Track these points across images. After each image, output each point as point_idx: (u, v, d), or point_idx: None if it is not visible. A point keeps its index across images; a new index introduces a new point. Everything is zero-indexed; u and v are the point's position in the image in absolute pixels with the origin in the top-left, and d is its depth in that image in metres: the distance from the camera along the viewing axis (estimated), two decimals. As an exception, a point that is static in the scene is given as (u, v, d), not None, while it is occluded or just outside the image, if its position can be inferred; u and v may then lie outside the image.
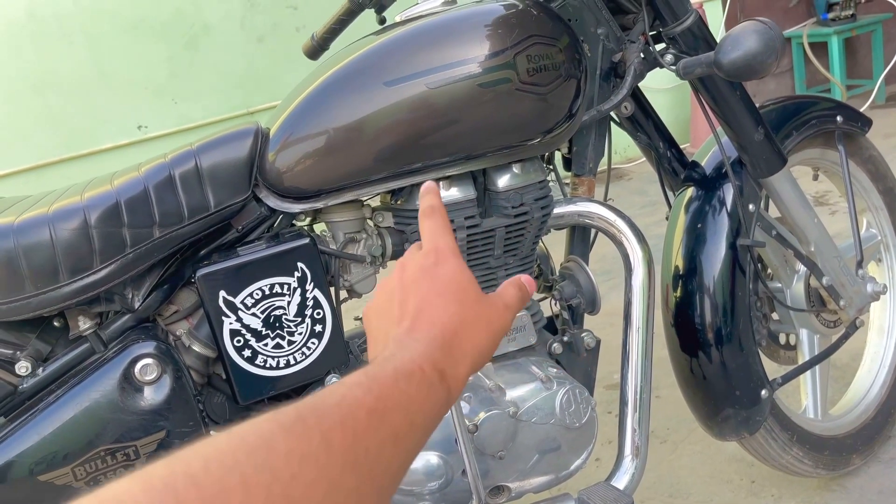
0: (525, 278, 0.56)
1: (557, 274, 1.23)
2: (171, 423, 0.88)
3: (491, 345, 0.51)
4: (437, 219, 0.57)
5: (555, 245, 1.28)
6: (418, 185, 1.05)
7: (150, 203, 0.93)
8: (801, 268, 1.40)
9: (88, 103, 3.56)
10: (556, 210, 1.15)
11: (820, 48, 4.40)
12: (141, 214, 0.92)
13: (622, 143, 4.10)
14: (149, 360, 0.88)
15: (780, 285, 1.42)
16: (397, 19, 1.10)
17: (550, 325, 1.24)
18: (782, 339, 1.49)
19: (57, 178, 3.46)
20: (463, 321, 0.50)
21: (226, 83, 3.74)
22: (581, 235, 1.26)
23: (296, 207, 1.01)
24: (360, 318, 1.33)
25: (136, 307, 0.93)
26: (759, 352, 1.35)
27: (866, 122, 1.49)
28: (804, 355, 1.44)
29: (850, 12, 4.40)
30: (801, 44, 4.45)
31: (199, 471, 0.32)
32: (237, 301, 0.95)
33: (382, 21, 1.25)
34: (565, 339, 1.19)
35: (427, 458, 1.04)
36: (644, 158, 1.43)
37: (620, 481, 1.11)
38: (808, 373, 1.45)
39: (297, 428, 0.37)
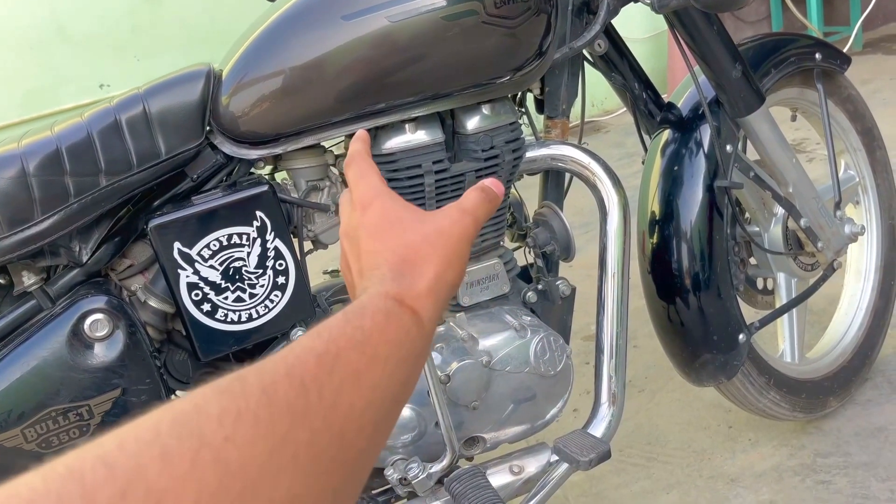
0: (490, 181, 0.52)
1: (531, 221, 1.20)
2: (125, 380, 0.84)
3: (453, 256, 0.47)
4: (355, 166, 0.54)
5: (529, 192, 1.24)
6: (383, 127, 1.00)
7: (95, 150, 0.87)
8: (779, 210, 1.38)
9: (47, 62, 3.43)
10: (529, 153, 1.11)
11: (797, -5, 4.34)
12: (85, 162, 0.86)
13: (599, 95, 4.04)
14: (99, 316, 0.83)
15: (757, 228, 1.40)
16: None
17: (525, 274, 1.20)
18: (760, 283, 1.47)
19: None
20: (407, 245, 0.47)
21: (190, 38, 3.61)
22: (555, 180, 1.22)
23: (253, 153, 0.96)
24: (329, 272, 1.30)
25: (85, 261, 0.88)
26: (737, 297, 1.33)
27: (845, 60, 1.46)
28: (781, 299, 1.43)
29: (828, -43, 4.34)
30: (778, -10, 4.39)
31: (112, 450, 0.29)
32: (193, 253, 0.90)
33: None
34: (540, 287, 1.16)
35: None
36: (621, 111, 1.39)
37: (597, 429, 1.09)
38: (786, 317, 1.44)
39: (233, 387, 0.33)
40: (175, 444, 0.29)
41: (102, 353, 0.83)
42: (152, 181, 0.91)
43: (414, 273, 0.45)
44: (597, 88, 1.30)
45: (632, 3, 1.17)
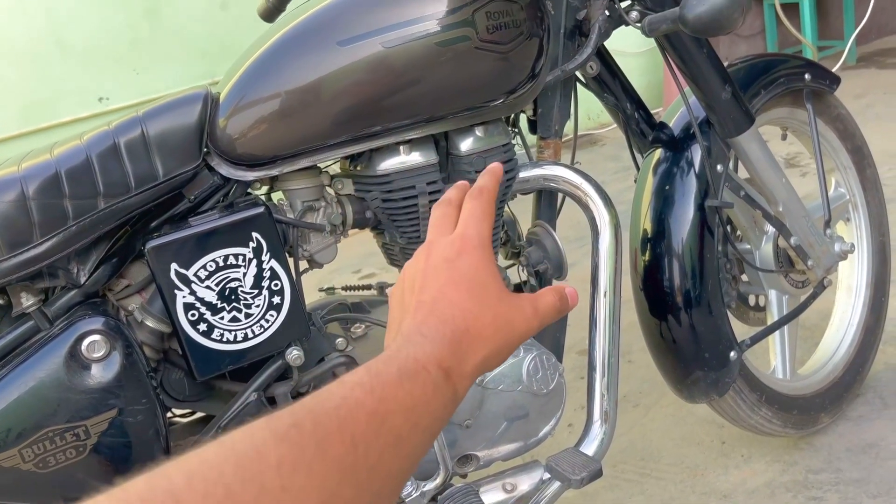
0: (570, 290, 0.53)
1: (524, 240, 1.21)
2: (122, 401, 0.85)
3: (506, 347, 0.48)
4: (479, 203, 0.53)
5: (522, 211, 1.26)
6: (378, 149, 1.02)
7: (94, 173, 0.88)
8: (770, 228, 1.39)
9: (46, 75, 3.44)
10: (522, 174, 1.13)
11: (791, 9, 4.38)
12: (83, 185, 0.87)
13: (595, 109, 4.06)
14: (96, 337, 0.84)
15: (748, 246, 1.42)
16: (353, -23, 1.05)
17: (517, 293, 1.22)
18: (751, 300, 1.48)
19: (15, 152, 3.35)
20: (477, 319, 0.47)
21: (188, 52, 3.63)
22: (548, 200, 1.23)
23: (250, 175, 0.97)
24: (324, 290, 1.31)
25: (83, 282, 0.89)
26: (728, 313, 1.35)
27: (835, 80, 1.48)
28: (773, 316, 1.44)
29: (822, -28, 4.39)
30: (772, 5, 4.43)
31: (181, 485, 0.31)
32: (190, 273, 0.91)
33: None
34: (533, 305, 1.17)
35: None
36: (613, 121, 1.41)
37: (589, 447, 1.10)
38: (777, 333, 1.46)
39: (291, 435, 0.35)
40: (238, 487, 0.31)
41: (99, 374, 0.84)
42: (150, 203, 0.93)
43: (470, 350, 0.46)
44: (592, 102, 1.32)
45: (623, 26, 1.19)
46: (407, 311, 0.49)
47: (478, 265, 0.49)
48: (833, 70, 1.47)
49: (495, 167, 0.57)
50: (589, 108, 1.28)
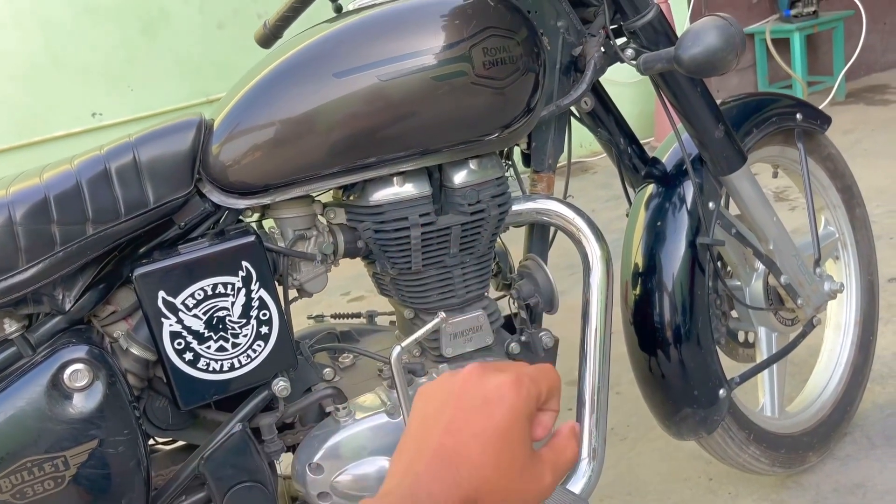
0: (577, 427, 0.49)
1: (515, 272, 1.21)
2: (103, 431, 0.84)
3: None
4: (546, 379, 0.48)
5: (514, 242, 1.26)
6: (371, 180, 1.02)
7: (83, 198, 0.87)
8: (760, 266, 1.40)
9: (41, 89, 3.43)
10: (514, 207, 1.12)
11: (782, 44, 4.44)
12: (72, 210, 0.86)
13: (588, 137, 4.08)
14: (79, 366, 0.83)
15: (739, 283, 1.42)
16: (351, 7, 1.06)
17: (508, 325, 1.21)
18: (741, 336, 1.48)
19: (7, 165, 3.33)
20: (492, 493, 0.43)
21: (184, 70, 3.64)
22: (540, 233, 1.23)
23: (241, 203, 0.97)
24: (313, 317, 1.30)
25: (68, 308, 0.88)
26: (718, 350, 1.35)
27: (825, 120, 1.49)
28: (762, 353, 1.44)
29: (813, 9, 4.45)
30: (763, 40, 4.49)
31: None
32: (178, 302, 0.90)
33: (339, 9, 1.20)
34: (523, 338, 1.16)
35: (379, 463, 1.01)
36: (606, 154, 1.41)
37: (577, 485, 1.09)
38: (766, 371, 1.45)
39: None
40: None
41: (81, 404, 0.83)
42: (139, 229, 0.92)
43: None
44: (585, 130, 1.32)
45: (618, 62, 1.19)
46: (418, 451, 0.45)
47: (514, 421, 0.45)
48: (822, 105, 1.49)
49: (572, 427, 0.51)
50: (581, 136, 1.28)
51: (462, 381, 0.47)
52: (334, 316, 1.30)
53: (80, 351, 0.84)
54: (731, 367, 1.41)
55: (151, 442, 1.06)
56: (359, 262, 1.13)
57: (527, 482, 0.45)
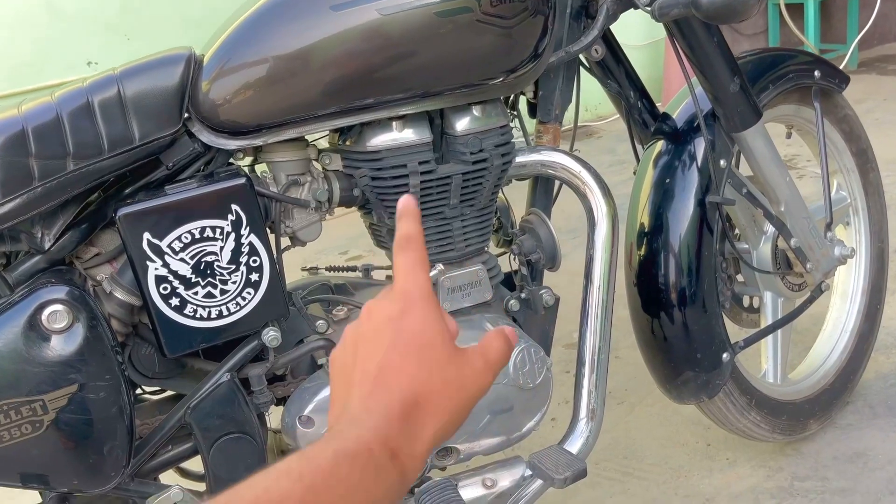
0: (509, 330, 0.49)
1: (517, 227, 1.17)
2: (83, 375, 0.80)
3: (459, 415, 0.45)
4: (412, 252, 0.48)
5: (517, 198, 1.21)
6: (369, 124, 0.97)
7: (64, 132, 0.83)
8: (770, 228, 1.36)
9: (36, 36, 3.35)
10: (518, 158, 1.08)
11: (796, 10, 4.34)
12: (51, 144, 0.82)
13: (593, 100, 4.01)
14: (58, 307, 0.79)
15: (746, 246, 1.38)
16: (351, -60, 1.00)
17: (508, 281, 1.17)
18: (746, 301, 1.45)
19: (-1, 114, 3.27)
20: (426, 387, 0.43)
21: (183, 21, 3.55)
22: (544, 187, 1.19)
23: (232, 144, 0.92)
24: (307, 269, 1.26)
25: (47, 247, 0.84)
26: (722, 314, 1.31)
27: (844, 80, 1.44)
28: (767, 318, 1.41)
29: (828, -25, 4.35)
30: (777, 5, 4.39)
31: None
32: (163, 245, 0.86)
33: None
34: (523, 295, 1.13)
35: (371, 418, 0.97)
36: (614, 117, 1.36)
37: (574, 445, 1.06)
38: (770, 336, 1.42)
39: None
40: None
41: (60, 346, 0.79)
42: (124, 167, 0.87)
43: (421, 425, 0.43)
44: (591, 93, 1.27)
45: (631, 10, 1.14)
46: (351, 382, 0.46)
47: (423, 322, 0.46)
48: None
49: (409, 206, 0.51)
50: (586, 99, 1.23)
51: (362, 321, 0.49)
52: (329, 269, 1.26)
53: (60, 292, 0.80)
54: (734, 332, 1.37)
55: (138, 391, 1.03)
56: (358, 222, 1.09)
57: (458, 369, 0.45)
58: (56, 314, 0.79)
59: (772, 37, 4.60)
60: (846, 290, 1.59)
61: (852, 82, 1.50)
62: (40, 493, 0.92)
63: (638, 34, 4.09)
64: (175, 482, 0.96)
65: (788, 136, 1.52)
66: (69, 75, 3.43)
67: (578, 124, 1.27)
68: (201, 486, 0.99)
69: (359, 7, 0.88)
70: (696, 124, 1.24)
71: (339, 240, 2.84)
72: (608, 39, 1.21)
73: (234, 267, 0.90)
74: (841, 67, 4.49)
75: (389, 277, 1.25)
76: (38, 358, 0.79)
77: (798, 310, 1.39)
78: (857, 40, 4.35)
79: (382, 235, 1.08)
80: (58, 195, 0.82)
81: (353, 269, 1.29)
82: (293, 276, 1.11)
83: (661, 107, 1.35)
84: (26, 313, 0.79)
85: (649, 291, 1.26)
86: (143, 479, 0.95)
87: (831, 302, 1.61)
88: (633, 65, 1.28)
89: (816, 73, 1.36)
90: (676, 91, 1.23)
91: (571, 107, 1.20)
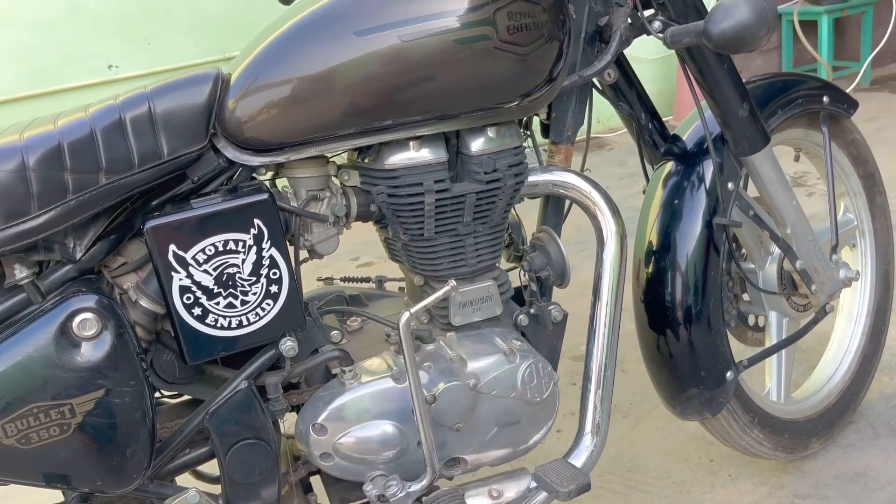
0: None
1: (528, 244, 1.20)
2: (110, 381, 0.84)
3: None
4: None
5: (528, 214, 1.24)
6: (387, 143, 1.00)
7: (97, 147, 0.86)
8: (776, 250, 1.38)
9: (58, 39, 3.41)
10: (531, 178, 1.11)
11: (809, 27, 4.35)
12: (85, 159, 0.85)
13: (605, 113, 4.03)
14: (88, 315, 0.83)
15: (753, 266, 1.40)
16: (374, -35, 1.03)
17: (518, 296, 1.20)
18: (751, 320, 1.47)
19: (22, 114, 3.30)
20: None
21: (202, 26, 3.60)
22: (555, 206, 1.22)
23: (256, 160, 0.96)
24: (323, 280, 1.29)
25: (78, 257, 0.88)
26: (727, 333, 1.34)
27: (852, 105, 1.46)
28: (772, 338, 1.43)
29: (843, -8, 4.36)
30: (790, 21, 4.40)
31: None
32: (188, 256, 0.90)
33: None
34: (532, 311, 1.16)
35: (382, 428, 1.01)
36: (626, 129, 1.39)
37: (579, 459, 1.09)
38: (774, 355, 1.44)
39: None
40: None
41: (89, 353, 0.83)
42: (152, 181, 0.91)
43: None
44: (603, 106, 1.31)
45: (644, 35, 1.17)
46: None
47: None
48: (846, 91, 1.46)
49: None
50: (599, 112, 1.26)
51: None
52: (344, 279, 1.30)
53: (90, 300, 0.84)
54: (738, 350, 1.40)
55: (158, 395, 1.07)
56: (370, 228, 1.13)
57: None
58: (86, 322, 0.83)
59: (785, 53, 4.61)
60: (851, 310, 1.61)
61: (865, 100, 1.53)
62: (63, 493, 0.96)
63: (652, 47, 4.10)
64: (191, 484, 1.00)
65: (797, 158, 1.55)
66: (90, 78, 3.50)
67: (590, 136, 1.29)
68: (217, 489, 1.03)
69: (381, 33, 0.91)
70: (705, 147, 1.27)
71: (350, 245, 2.87)
72: (620, 63, 1.25)
73: (254, 279, 0.93)
74: (854, 85, 4.48)
75: (402, 289, 1.28)
76: (68, 363, 0.82)
77: (802, 330, 1.41)
78: (870, 58, 4.36)
79: (396, 249, 1.11)
80: (90, 207, 0.86)
81: (367, 279, 1.33)
82: (308, 285, 1.14)
83: (674, 119, 1.37)
84: (58, 321, 0.82)
85: (656, 308, 1.29)
86: (160, 480, 0.98)
87: (836, 322, 1.63)
88: (646, 78, 1.31)
89: (825, 99, 1.39)
90: (689, 104, 1.26)
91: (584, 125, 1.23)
